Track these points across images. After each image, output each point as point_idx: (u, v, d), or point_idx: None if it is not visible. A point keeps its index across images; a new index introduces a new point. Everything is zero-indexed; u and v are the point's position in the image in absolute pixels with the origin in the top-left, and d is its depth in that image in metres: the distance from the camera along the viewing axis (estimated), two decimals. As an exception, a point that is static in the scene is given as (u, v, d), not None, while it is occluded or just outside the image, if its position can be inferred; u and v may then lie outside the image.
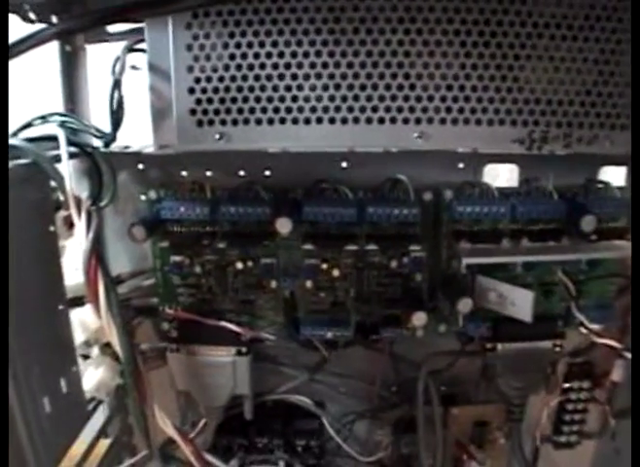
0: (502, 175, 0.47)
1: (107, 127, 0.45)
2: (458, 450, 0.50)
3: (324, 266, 0.45)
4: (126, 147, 0.46)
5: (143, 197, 0.47)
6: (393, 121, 0.41)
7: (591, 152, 0.42)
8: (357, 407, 0.52)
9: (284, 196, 0.45)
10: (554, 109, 0.41)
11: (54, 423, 0.37)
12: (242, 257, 0.45)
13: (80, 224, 0.36)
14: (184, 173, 0.47)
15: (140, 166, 0.47)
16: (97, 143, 0.45)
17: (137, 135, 0.47)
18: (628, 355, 0.46)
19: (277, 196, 0.44)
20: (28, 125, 0.43)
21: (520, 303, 0.42)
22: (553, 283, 0.46)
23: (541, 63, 0.40)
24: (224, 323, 0.46)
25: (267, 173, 0.46)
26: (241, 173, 0.46)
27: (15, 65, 0.39)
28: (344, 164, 0.46)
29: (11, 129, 0.41)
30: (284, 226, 0.41)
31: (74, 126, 0.45)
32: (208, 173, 0.46)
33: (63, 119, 0.45)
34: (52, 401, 0.37)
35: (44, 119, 0.44)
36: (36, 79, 0.53)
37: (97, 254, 0.36)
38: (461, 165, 0.46)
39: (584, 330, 0.46)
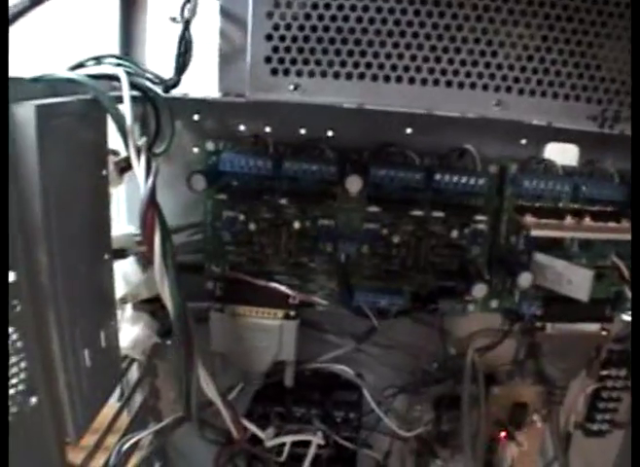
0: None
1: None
2: (496, 430, 0.49)
3: (384, 231, 0.44)
4: (185, 94, 0.44)
5: (196, 149, 0.45)
6: (472, 86, 0.40)
7: (659, 136, 0.42)
8: (398, 380, 0.51)
9: (349, 156, 0.43)
10: (628, 90, 0.41)
11: (92, 378, 0.34)
12: (300, 216, 0.44)
13: (139, 170, 0.34)
14: (242, 127, 0.45)
15: (195, 117, 0.45)
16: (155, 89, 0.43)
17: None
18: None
19: (342, 155, 0.43)
20: (80, 66, 0.41)
21: (578, 281, 0.42)
22: (606, 267, 0.46)
23: (619, 43, 0.40)
24: (274, 284, 0.44)
25: (330, 134, 0.45)
26: (302, 132, 0.45)
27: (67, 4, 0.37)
28: (409, 131, 0.45)
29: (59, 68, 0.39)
30: (354, 184, 0.40)
31: (130, 70, 0.43)
32: (267, 129, 0.45)
33: (119, 61, 0.42)
34: (91, 354, 0.34)
35: (97, 60, 0.42)
36: (87, 20, 0.50)
37: (155, 202, 0.35)
38: (523, 141, 0.46)
39: (633, 315, 0.46)
